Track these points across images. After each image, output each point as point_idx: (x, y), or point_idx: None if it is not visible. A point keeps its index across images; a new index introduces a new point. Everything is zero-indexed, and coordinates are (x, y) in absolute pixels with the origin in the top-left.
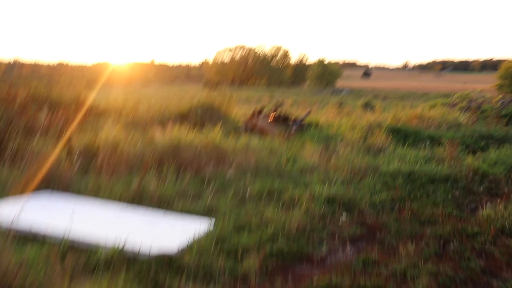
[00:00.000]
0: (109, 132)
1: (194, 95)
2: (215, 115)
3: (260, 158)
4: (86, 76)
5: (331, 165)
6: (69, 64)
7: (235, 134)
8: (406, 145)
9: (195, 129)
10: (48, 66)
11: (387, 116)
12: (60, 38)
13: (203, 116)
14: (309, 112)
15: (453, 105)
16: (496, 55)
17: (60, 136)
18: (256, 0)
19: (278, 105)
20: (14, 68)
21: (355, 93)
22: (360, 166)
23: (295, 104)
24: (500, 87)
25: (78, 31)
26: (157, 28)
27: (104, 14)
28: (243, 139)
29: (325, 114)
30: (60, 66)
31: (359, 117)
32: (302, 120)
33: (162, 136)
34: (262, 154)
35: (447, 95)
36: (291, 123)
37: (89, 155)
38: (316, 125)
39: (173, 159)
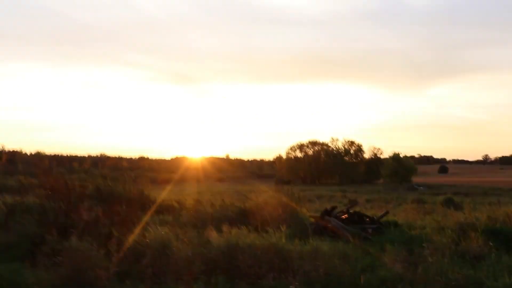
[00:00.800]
0: (160, 230)
1: (261, 192)
2: (281, 215)
3: (331, 266)
4: (163, 169)
5: (419, 276)
6: (149, 157)
7: (302, 236)
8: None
9: (257, 230)
10: (130, 160)
11: (478, 215)
12: (142, 132)
13: (268, 215)
14: (387, 212)
15: None
16: None
17: (106, 234)
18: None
19: (352, 204)
20: (99, 161)
21: (433, 189)
22: (456, 279)
23: (369, 202)
24: None
25: (159, 124)
26: (232, 122)
27: (182, 107)
28: (311, 242)
29: (403, 213)
30: (141, 159)
31: (444, 216)
32: (379, 219)
33: (219, 237)
34: (334, 261)
35: None
36: (366, 224)
37: (133, 257)
38: (396, 225)
39: (227, 265)
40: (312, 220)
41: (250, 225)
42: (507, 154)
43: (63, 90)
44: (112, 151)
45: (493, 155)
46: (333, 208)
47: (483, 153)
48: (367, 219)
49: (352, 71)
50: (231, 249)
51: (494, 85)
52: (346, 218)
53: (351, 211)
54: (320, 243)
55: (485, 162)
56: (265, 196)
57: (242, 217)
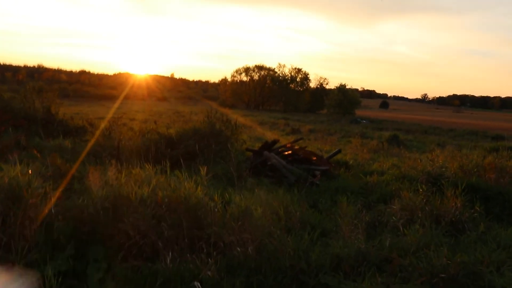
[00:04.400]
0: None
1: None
2: (211, 146)
3: (267, 236)
4: (104, 85)
5: (393, 259)
6: (91, 72)
7: (234, 180)
8: (494, 216)
9: (177, 168)
10: (70, 73)
11: (447, 163)
12: (85, 44)
13: (193, 147)
14: (339, 151)
15: None
16: None
17: None
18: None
19: (297, 139)
20: (36, 72)
21: (375, 123)
22: (445, 266)
23: (312, 132)
24: None
25: (104, 37)
26: (180, 40)
27: (127, 24)
28: (241, 199)
29: (351, 149)
30: (82, 73)
31: (400, 158)
32: (329, 159)
33: (106, 183)
34: (271, 228)
35: (475, 133)
36: (314, 164)
37: None
38: (347, 167)
39: (106, 230)
40: (249, 154)
41: (169, 160)
42: (444, 95)
43: None
44: (52, 63)
45: (431, 94)
46: (275, 142)
47: (422, 92)
48: (314, 158)
49: None
50: (115, 205)
51: (440, 27)
52: (289, 155)
53: (295, 146)
54: (254, 194)
55: (424, 100)
56: (195, 121)
57: (165, 148)
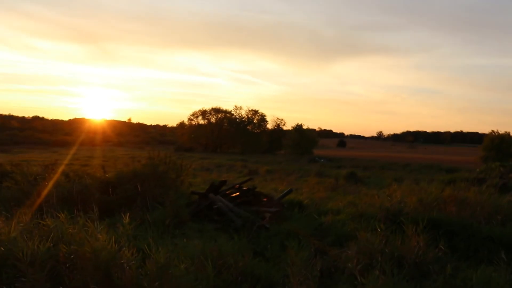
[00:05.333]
0: None
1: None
2: (153, 189)
3: None
4: (59, 131)
5: None
6: (45, 117)
7: (175, 221)
8: (461, 254)
9: (102, 218)
10: (23, 119)
11: (406, 198)
12: (39, 91)
13: (134, 191)
14: (290, 191)
15: (481, 181)
16: (464, 128)
17: None
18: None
19: (246, 179)
20: None
21: (334, 161)
22: None
23: (270, 173)
24: (485, 159)
25: (58, 83)
26: (135, 85)
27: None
28: (170, 245)
29: (307, 188)
30: (35, 119)
31: (356, 195)
32: (281, 199)
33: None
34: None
35: (429, 166)
36: (264, 205)
37: None
38: (301, 207)
39: None
40: (196, 197)
41: (103, 206)
42: (398, 132)
43: None
44: (3, 110)
45: (386, 132)
46: (222, 183)
47: (378, 130)
48: (265, 199)
49: (260, 42)
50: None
51: (390, 67)
52: (237, 196)
53: (243, 187)
54: (187, 242)
55: (379, 138)
56: (139, 163)
57: (101, 193)
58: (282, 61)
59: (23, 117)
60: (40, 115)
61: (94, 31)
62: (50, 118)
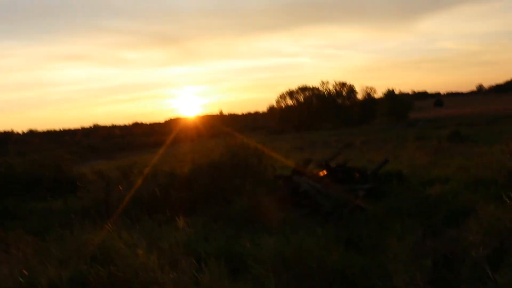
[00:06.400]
0: None
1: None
2: (231, 180)
3: None
4: (157, 132)
5: None
6: (143, 122)
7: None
8: None
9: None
10: (124, 127)
11: None
12: (136, 98)
13: (210, 184)
14: (386, 162)
15: None
16: None
17: None
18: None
19: (335, 154)
20: (91, 132)
21: (433, 123)
22: None
23: (366, 143)
24: None
25: (151, 87)
26: (223, 77)
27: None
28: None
29: (406, 154)
30: (134, 125)
31: (466, 157)
32: (376, 172)
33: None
34: None
35: None
36: (356, 181)
37: None
38: (400, 179)
39: None
40: (280, 182)
41: (181, 206)
42: (501, 82)
43: (47, 64)
44: (106, 121)
45: (487, 84)
46: (307, 162)
47: (477, 83)
48: (357, 174)
49: (339, 14)
50: None
51: (483, 14)
52: (325, 175)
53: (331, 164)
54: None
55: (480, 92)
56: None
57: (177, 190)
58: (364, 29)
59: (124, 125)
60: (139, 121)
61: (174, 33)
62: (147, 122)
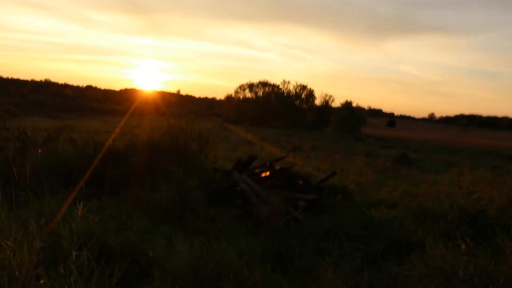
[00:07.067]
0: None
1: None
2: (170, 165)
3: None
4: (110, 100)
5: None
6: (98, 87)
7: (188, 206)
8: None
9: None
10: (77, 88)
11: (469, 185)
12: (93, 62)
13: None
14: (333, 173)
15: None
16: None
17: None
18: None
19: (280, 157)
20: (42, 87)
21: (382, 141)
22: None
23: (314, 149)
24: None
25: (111, 55)
26: (186, 57)
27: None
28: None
29: (353, 169)
30: (88, 88)
31: (414, 181)
32: (320, 183)
33: None
34: None
35: (488, 153)
36: (298, 189)
37: None
38: (345, 194)
39: None
40: (218, 175)
41: (107, 182)
42: (451, 114)
43: (6, 6)
44: (59, 78)
45: (438, 114)
46: (251, 159)
47: (429, 111)
48: (300, 182)
49: (313, 18)
50: None
51: (448, 47)
52: (267, 176)
53: (276, 166)
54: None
55: (431, 120)
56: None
57: (105, 165)
58: (334, 37)
59: (78, 86)
60: (94, 85)
61: (145, 3)
62: (102, 88)
